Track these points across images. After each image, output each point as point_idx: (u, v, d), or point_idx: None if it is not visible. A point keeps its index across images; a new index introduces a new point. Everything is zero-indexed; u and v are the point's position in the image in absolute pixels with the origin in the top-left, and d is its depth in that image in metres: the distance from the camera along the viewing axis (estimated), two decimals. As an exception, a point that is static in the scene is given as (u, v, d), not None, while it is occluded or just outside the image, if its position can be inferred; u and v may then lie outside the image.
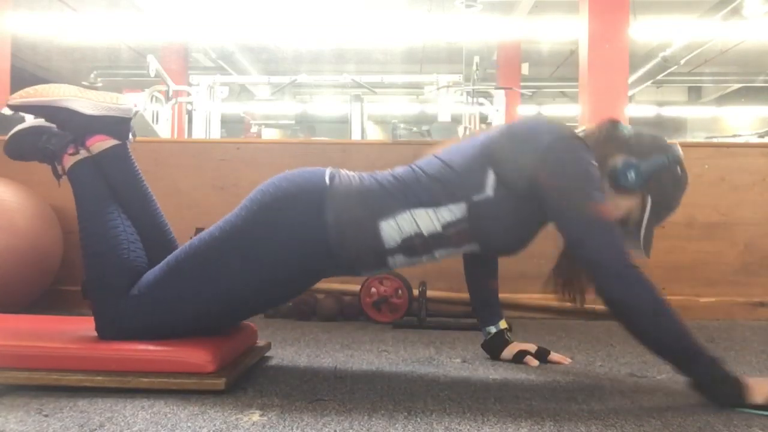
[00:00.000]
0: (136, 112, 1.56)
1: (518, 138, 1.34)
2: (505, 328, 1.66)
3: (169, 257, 1.38)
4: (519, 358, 1.60)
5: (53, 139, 1.46)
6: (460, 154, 1.37)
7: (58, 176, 1.47)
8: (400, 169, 1.40)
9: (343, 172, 1.40)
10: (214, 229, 1.36)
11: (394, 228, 1.31)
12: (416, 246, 1.34)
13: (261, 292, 1.37)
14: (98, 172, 1.44)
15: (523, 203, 1.32)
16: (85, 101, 1.42)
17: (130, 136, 1.49)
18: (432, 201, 1.32)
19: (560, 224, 1.30)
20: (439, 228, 1.32)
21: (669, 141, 1.42)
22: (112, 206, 1.42)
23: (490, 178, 1.31)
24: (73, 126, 1.43)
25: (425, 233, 1.32)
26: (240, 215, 1.35)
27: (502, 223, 1.33)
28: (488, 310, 1.65)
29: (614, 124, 1.41)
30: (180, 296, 1.33)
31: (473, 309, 1.70)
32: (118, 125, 1.45)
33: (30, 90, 1.41)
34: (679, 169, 1.38)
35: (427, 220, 1.32)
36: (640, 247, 1.37)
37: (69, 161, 1.44)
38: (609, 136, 1.39)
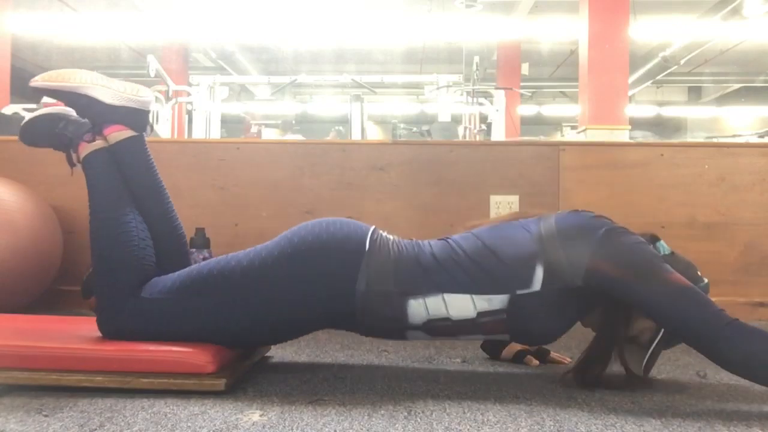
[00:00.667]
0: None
1: (570, 233, 1.30)
2: (505, 328, 1.65)
3: (190, 271, 1.37)
4: (519, 357, 1.60)
5: (70, 126, 1.46)
6: (506, 243, 1.32)
7: (72, 164, 1.47)
8: (438, 245, 1.35)
9: (384, 236, 1.37)
10: (243, 257, 1.34)
11: (422, 307, 1.29)
12: (441, 328, 1.30)
13: (272, 330, 1.37)
14: (113, 163, 1.44)
15: (569, 298, 1.29)
16: (106, 90, 1.42)
17: (148, 129, 1.49)
18: (471, 287, 1.28)
19: (646, 307, 1.26)
20: (473, 314, 1.28)
21: (700, 274, 1.40)
22: (125, 200, 1.42)
23: (539, 274, 1.27)
24: (91, 114, 1.43)
25: (454, 318, 1.29)
26: (272, 254, 1.33)
27: (543, 317, 1.30)
28: None
29: (653, 240, 1.39)
30: (192, 313, 1.33)
31: None
32: (137, 116, 1.46)
33: (53, 74, 1.41)
34: None
35: (461, 305, 1.28)
36: (640, 367, 1.36)
37: (85, 150, 1.44)
38: None
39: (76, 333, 1.43)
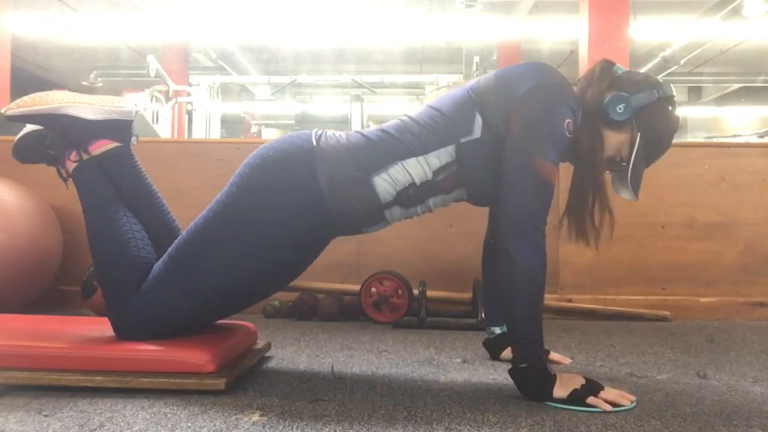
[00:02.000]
0: (137, 113, 1.53)
1: (504, 81, 1.35)
2: (509, 331, 1.65)
3: (170, 248, 1.37)
4: (519, 358, 1.59)
5: (56, 141, 1.45)
6: (449, 99, 1.38)
7: (64, 179, 1.46)
8: (389, 123, 1.40)
9: (329, 132, 1.40)
10: (208, 211, 1.36)
11: (387, 181, 1.32)
12: (410, 196, 1.35)
13: (267, 265, 1.35)
14: (102, 173, 1.43)
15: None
16: (86, 106, 1.40)
17: (133, 139, 1.48)
18: (421, 148, 1.33)
19: (504, 161, 1.30)
20: (429, 175, 1.33)
21: (661, 81, 1.42)
22: (118, 206, 1.41)
23: (478, 121, 1.33)
24: (74, 133, 1.41)
25: (417, 182, 1.33)
26: (231, 191, 1.35)
27: (488, 165, 1.33)
28: (499, 310, 1.64)
29: (608, 63, 1.43)
30: (189, 284, 1.33)
31: (486, 302, 1.69)
32: (121, 128, 1.44)
33: (27, 99, 1.38)
34: (669, 107, 1.39)
35: (418, 168, 1.33)
36: (628, 186, 1.37)
37: (71, 165, 1.43)
38: (602, 74, 1.40)
39: (75, 333, 1.43)
